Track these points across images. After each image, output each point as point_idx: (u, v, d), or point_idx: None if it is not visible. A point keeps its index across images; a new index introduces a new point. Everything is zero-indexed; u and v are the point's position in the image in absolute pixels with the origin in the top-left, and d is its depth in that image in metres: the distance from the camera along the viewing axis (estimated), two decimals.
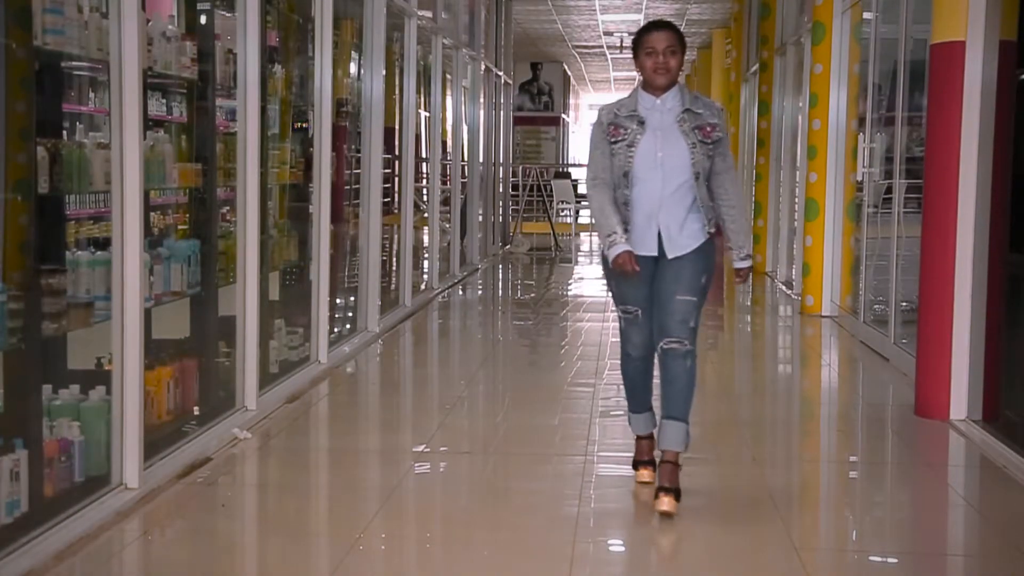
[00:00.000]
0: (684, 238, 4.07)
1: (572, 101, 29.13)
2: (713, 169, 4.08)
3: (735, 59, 16.44)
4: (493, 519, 3.99)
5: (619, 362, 4.40)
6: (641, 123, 4.04)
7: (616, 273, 4.08)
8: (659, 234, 4.05)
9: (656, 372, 4.25)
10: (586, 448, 4.87)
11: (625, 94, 4.31)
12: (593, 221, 4.28)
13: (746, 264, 4.28)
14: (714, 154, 4.06)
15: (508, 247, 15.37)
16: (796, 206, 10.50)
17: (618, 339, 4.40)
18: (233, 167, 5.11)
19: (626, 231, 4.05)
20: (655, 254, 4.08)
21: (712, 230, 4.09)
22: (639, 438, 4.43)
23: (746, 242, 4.25)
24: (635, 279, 4.05)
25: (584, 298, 10.95)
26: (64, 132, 4.16)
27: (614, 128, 4.07)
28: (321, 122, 6.38)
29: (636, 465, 4.42)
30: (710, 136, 4.04)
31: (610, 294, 4.27)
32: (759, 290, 11.17)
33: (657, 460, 4.24)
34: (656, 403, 4.32)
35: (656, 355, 4.17)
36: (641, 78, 4.15)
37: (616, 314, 4.30)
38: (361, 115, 7.68)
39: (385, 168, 8.65)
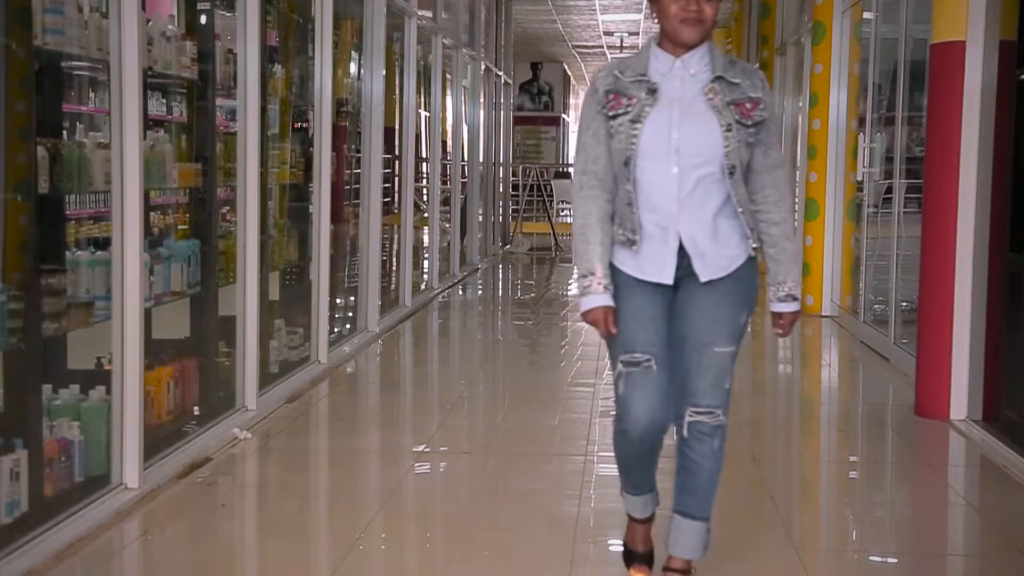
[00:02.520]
0: (721, 254, 2.97)
1: (572, 101, 29.12)
2: (752, 166, 2.97)
3: None
4: (493, 519, 3.99)
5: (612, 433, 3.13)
6: (652, 91, 2.92)
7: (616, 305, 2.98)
8: (679, 250, 2.95)
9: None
10: (586, 448, 4.87)
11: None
12: (572, 239, 3.08)
13: (789, 307, 3.02)
14: (754, 141, 2.94)
15: (508, 247, 15.37)
16: (796, 206, 10.50)
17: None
18: (233, 167, 5.11)
19: (632, 243, 2.96)
20: (670, 282, 2.97)
21: (756, 244, 3.01)
22: (633, 519, 3.29)
23: (789, 274, 3.01)
24: (642, 318, 2.97)
25: None
26: (64, 132, 4.16)
27: (614, 97, 2.95)
28: (321, 122, 6.38)
29: (629, 559, 3.31)
30: (750, 115, 2.92)
31: (605, 343, 3.06)
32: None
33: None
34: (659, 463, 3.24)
35: (678, 431, 3.02)
36: (658, 31, 3.00)
37: (614, 371, 3.02)
38: (361, 115, 7.68)
39: (385, 168, 8.65)
